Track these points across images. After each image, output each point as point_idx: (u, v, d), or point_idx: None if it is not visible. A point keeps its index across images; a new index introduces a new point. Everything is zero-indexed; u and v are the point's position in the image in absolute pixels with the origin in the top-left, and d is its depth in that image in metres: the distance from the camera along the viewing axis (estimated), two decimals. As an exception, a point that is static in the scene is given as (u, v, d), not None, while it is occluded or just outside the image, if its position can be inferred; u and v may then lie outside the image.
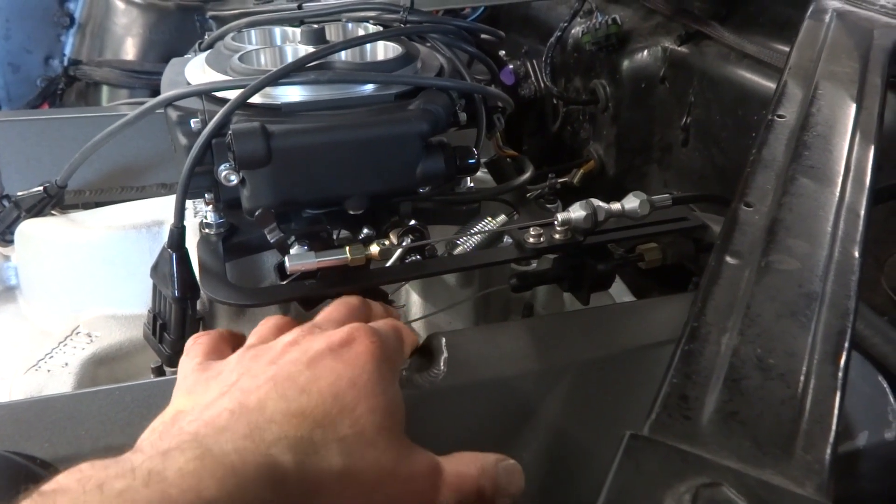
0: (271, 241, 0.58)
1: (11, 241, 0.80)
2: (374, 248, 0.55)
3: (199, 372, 0.41)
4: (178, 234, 0.56)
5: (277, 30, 0.73)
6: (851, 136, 0.50)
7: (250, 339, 0.45)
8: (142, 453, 0.31)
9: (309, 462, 0.33)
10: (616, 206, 0.58)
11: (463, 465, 0.39)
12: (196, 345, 0.45)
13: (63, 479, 0.29)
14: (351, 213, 0.59)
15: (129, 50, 1.36)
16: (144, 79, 1.32)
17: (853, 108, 0.53)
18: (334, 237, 0.62)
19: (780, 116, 0.53)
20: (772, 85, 0.72)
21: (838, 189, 0.46)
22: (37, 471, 0.38)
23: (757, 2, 0.81)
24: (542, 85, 1.08)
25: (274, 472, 0.32)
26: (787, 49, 0.64)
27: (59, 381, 0.66)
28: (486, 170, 0.83)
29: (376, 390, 0.37)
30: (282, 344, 0.40)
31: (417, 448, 0.39)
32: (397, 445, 0.37)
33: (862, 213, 0.44)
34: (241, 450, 0.31)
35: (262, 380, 0.36)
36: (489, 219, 0.71)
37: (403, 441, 0.38)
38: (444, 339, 0.49)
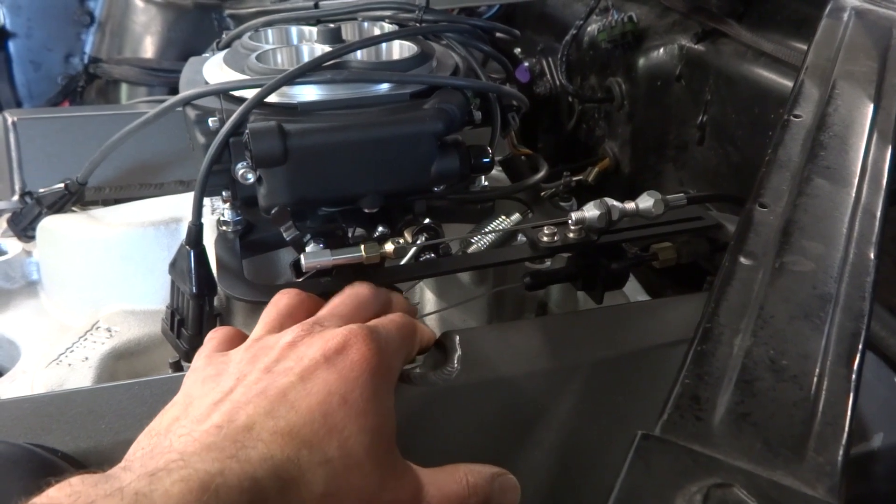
0: (287, 238, 0.59)
1: (33, 237, 0.81)
2: (389, 246, 0.55)
3: (202, 369, 0.41)
4: (195, 231, 0.57)
5: (294, 29, 0.73)
6: (868, 136, 0.50)
7: (258, 328, 0.45)
8: (131, 472, 0.31)
9: (292, 487, 0.33)
10: (630, 205, 0.58)
11: (453, 483, 0.39)
12: (209, 339, 0.46)
13: (54, 494, 0.30)
14: (366, 211, 0.60)
15: (148, 48, 1.38)
16: (163, 76, 1.34)
17: (871, 108, 0.53)
18: (349, 235, 0.62)
19: (796, 116, 0.52)
20: (789, 83, 0.71)
21: (854, 190, 0.45)
22: (58, 463, 0.39)
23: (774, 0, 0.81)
24: (558, 83, 1.08)
25: (256, 498, 0.31)
26: (804, 47, 0.63)
27: (80, 374, 0.67)
28: (500, 168, 0.83)
29: (368, 408, 0.37)
30: (280, 347, 0.40)
31: (404, 468, 0.38)
32: (383, 468, 0.37)
33: (878, 214, 0.44)
34: (227, 472, 0.31)
35: (254, 392, 0.36)
36: (503, 217, 0.71)
37: (391, 461, 0.38)
38: (457, 337, 0.49)
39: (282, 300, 0.47)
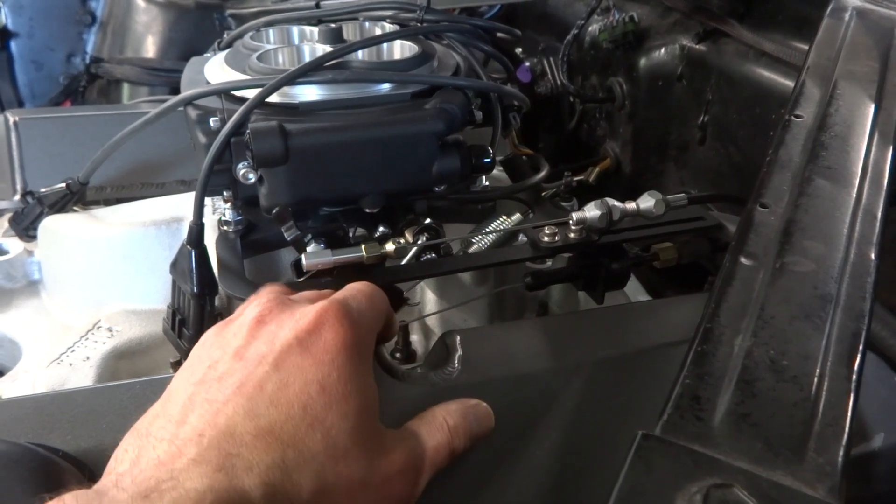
0: (288, 238, 0.59)
1: (35, 237, 0.82)
2: (390, 246, 0.55)
3: (193, 354, 0.40)
4: (196, 230, 0.57)
5: (295, 29, 0.74)
6: (870, 136, 0.50)
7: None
8: (123, 490, 0.31)
9: (280, 490, 0.33)
10: (631, 205, 0.58)
11: (437, 433, 0.39)
12: None
13: None
14: (367, 211, 0.60)
15: (150, 48, 1.38)
16: (164, 76, 1.34)
17: (872, 108, 0.53)
18: (350, 235, 0.62)
19: (797, 116, 0.52)
20: (790, 83, 0.71)
21: (855, 190, 0.45)
22: (60, 463, 0.39)
23: (775, -1, 0.81)
24: (559, 83, 1.08)
25: None
26: (805, 47, 0.63)
27: (81, 374, 0.67)
28: (501, 168, 0.83)
29: (347, 391, 0.36)
30: (248, 324, 0.38)
31: (392, 441, 0.38)
32: (371, 449, 0.36)
33: (879, 214, 0.44)
34: (217, 487, 0.31)
35: (230, 389, 0.35)
36: (504, 217, 0.71)
37: (377, 439, 0.37)
38: (458, 337, 0.49)
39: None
